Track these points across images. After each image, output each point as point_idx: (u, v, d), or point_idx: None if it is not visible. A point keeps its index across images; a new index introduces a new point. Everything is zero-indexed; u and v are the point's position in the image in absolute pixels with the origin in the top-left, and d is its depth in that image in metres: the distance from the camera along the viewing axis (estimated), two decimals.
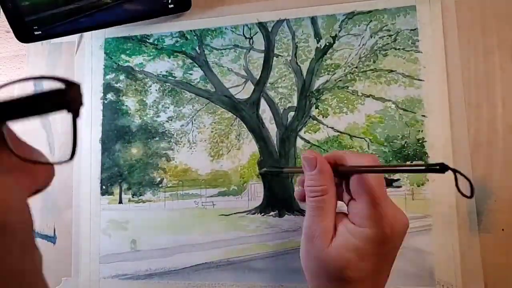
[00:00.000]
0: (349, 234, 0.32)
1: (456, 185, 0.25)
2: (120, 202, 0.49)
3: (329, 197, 0.33)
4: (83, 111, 0.51)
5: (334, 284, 0.32)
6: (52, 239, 0.50)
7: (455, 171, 0.25)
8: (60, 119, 0.52)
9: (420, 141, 0.43)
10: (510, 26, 0.43)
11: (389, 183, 0.43)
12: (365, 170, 0.31)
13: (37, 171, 0.22)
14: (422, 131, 0.43)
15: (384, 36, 0.46)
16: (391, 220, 0.31)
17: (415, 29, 0.45)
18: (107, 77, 0.52)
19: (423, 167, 0.27)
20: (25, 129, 0.22)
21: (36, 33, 0.50)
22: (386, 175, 0.43)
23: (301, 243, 0.34)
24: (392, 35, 0.45)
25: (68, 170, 0.51)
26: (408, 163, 0.28)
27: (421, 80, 0.44)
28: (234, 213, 0.46)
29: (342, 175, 0.34)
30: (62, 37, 0.52)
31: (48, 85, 0.20)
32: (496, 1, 0.44)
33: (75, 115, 0.20)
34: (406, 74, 0.45)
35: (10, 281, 0.18)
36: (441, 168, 0.25)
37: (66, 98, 0.19)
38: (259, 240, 0.45)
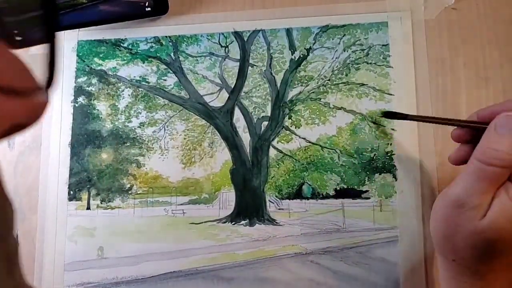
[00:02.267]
0: (509, 200, 0.27)
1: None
2: (88, 208, 0.48)
3: (506, 172, 0.28)
4: (52, 114, 0.50)
5: (478, 259, 0.28)
6: None
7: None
8: None
9: (388, 154, 0.44)
10: (475, 45, 0.45)
11: (358, 194, 0.44)
12: None
13: (10, 98, 0.16)
14: (391, 144, 0.44)
15: (357, 50, 0.47)
16: None
17: (386, 44, 0.46)
18: (79, 80, 0.50)
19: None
20: None
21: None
22: (356, 186, 0.44)
23: (438, 208, 0.30)
24: (365, 49, 0.47)
25: (34, 173, 0.49)
26: None
27: (391, 94, 0.45)
28: (205, 222, 0.46)
29: None
30: None
31: None
32: (462, 22, 0.46)
33: (51, 29, 0.16)
34: (377, 88, 0.46)
35: None
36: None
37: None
38: (229, 249, 0.45)
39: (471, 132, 0.33)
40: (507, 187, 0.28)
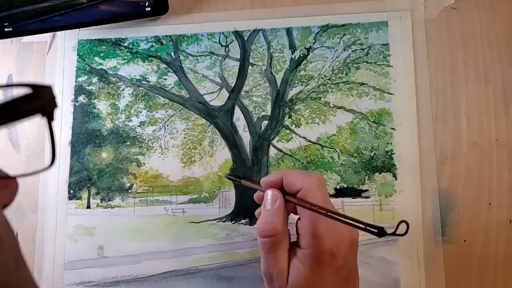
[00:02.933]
0: (299, 262, 0.31)
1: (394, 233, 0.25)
2: (88, 207, 0.48)
3: (282, 235, 0.32)
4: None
5: None
6: None
7: (394, 234, 0.25)
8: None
9: (388, 153, 0.44)
10: (475, 45, 0.45)
11: (358, 193, 0.44)
12: (310, 208, 0.30)
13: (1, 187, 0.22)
14: (391, 143, 0.44)
15: (357, 50, 0.47)
16: (334, 236, 0.30)
17: (386, 44, 0.46)
18: (79, 79, 0.51)
19: (363, 226, 0.27)
20: None
21: (6, 29, 0.48)
22: (356, 186, 0.44)
23: (265, 285, 0.34)
24: (365, 49, 0.47)
25: None
26: (350, 216, 0.28)
27: (391, 93, 0.45)
28: (205, 221, 0.46)
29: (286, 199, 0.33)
30: (33, 37, 0.51)
31: (18, 92, 0.19)
32: (462, 22, 0.46)
33: (50, 118, 0.19)
34: (377, 87, 0.46)
35: None
36: (379, 232, 0.26)
37: (38, 102, 0.19)
38: (229, 248, 0.45)
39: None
40: (296, 251, 0.32)
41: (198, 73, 0.49)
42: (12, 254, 0.19)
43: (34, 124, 0.50)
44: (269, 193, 0.34)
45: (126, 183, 0.48)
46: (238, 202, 0.46)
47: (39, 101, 0.19)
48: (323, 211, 0.29)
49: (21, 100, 0.18)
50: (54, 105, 0.19)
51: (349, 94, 0.46)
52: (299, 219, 0.33)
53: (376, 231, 0.26)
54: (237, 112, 0.48)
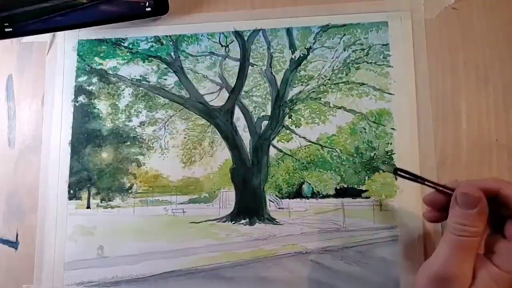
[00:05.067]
0: (490, 279, 0.29)
1: None
2: (88, 207, 0.48)
3: (479, 239, 0.30)
4: (53, 113, 0.50)
5: None
6: (14, 244, 0.48)
7: None
8: (28, 105, 0.51)
9: (388, 153, 0.44)
10: (475, 45, 0.45)
11: (358, 193, 0.44)
12: None
13: None
14: (391, 143, 0.44)
15: (357, 50, 0.47)
16: None
17: (386, 44, 0.46)
18: (79, 79, 0.51)
19: None
20: None
21: (6, 30, 0.48)
22: (356, 186, 0.44)
23: (421, 282, 0.31)
24: (365, 49, 0.47)
25: (35, 172, 0.49)
26: None
27: (391, 93, 0.45)
28: (205, 221, 0.46)
29: (496, 214, 0.31)
30: (33, 37, 0.51)
31: None
32: (462, 22, 0.46)
33: None
34: (377, 88, 0.46)
35: None
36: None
37: None
38: (229, 248, 0.45)
39: (444, 200, 0.34)
40: (488, 266, 0.30)
41: (198, 73, 0.49)
42: None
43: (32, 120, 0.50)
44: (468, 195, 0.31)
45: (126, 183, 0.48)
46: (238, 203, 0.46)
47: None
48: None
49: None
50: None
51: (349, 94, 0.46)
52: (503, 240, 0.30)
53: None
54: (237, 112, 0.48)
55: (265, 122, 0.47)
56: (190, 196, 0.47)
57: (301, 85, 0.47)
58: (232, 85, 0.48)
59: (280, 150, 0.46)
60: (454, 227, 0.30)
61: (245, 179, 0.46)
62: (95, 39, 0.51)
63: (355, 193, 0.44)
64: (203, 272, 0.44)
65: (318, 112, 0.46)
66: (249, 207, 0.46)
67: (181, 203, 0.47)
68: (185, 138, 0.48)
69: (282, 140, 0.46)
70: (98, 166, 0.48)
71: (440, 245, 0.31)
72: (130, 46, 0.51)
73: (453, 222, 0.31)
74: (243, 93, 0.48)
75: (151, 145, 0.48)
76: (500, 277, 0.29)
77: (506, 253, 0.30)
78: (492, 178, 0.35)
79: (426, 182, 0.35)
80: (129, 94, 0.50)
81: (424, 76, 0.45)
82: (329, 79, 0.47)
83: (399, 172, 0.37)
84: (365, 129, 0.45)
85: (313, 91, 0.47)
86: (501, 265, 0.29)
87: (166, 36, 0.50)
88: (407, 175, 0.37)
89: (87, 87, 0.50)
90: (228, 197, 0.46)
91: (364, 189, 0.44)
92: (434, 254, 0.31)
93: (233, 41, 0.49)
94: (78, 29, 0.51)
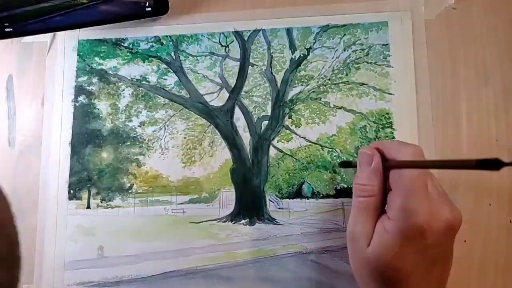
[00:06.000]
0: (384, 231, 0.30)
1: None
2: (88, 207, 0.48)
3: (377, 198, 0.32)
4: (53, 113, 0.50)
5: (378, 285, 0.31)
6: None
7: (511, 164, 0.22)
8: (28, 105, 0.51)
9: None
10: (475, 45, 0.45)
11: None
12: (411, 165, 0.30)
13: None
14: None
15: (357, 50, 0.47)
16: (427, 213, 0.29)
17: (386, 44, 0.46)
18: (79, 79, 0.51)
19: (474, 163, 0.24)
20: None
21: (6, 30, 0.48)
22: None
23: (347, 242, 0.34)
24: (365, 49, 0.47)
25: (34, 172, 0.49)
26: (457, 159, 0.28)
27: (391, 94, 0.45)
28: (205, 221, 0.46)
29: (385, 168, 0.32)
30: (33, 37, 0.51)
31: None
32: (462, 22, 0.46)
33: None
34: (377, 88, 0.46)
35: None
36: (495, 163, 0.22)
37: None
38: (229, 248, 0.45)
39: None
40: (383, 220, 0.31)
41: (198, 73, 0.49)
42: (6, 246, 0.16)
43: (32, 120, 0.50)
44: (364, 153, 0.33)
45: (126, 183, 0.48)
46: (238, 203, 0.46)
47: None
48: (424, 164, 0.29)
49: None
50: None
51: (349, 94, 0.46)
52: (390, 191, 0.32)
53: (492, 163, 0.22)
54: (237, 112, 0.48)
55: (265, 122, 0.47)
56: (190, 196, 0.47)
57: (301, 85, 0.47)
58: (232, 85, 0.48)
59: (280, 150, 0.46)
60: (355, 188, 0.33)
61: (245, 179, 0.46)
62: (95, 39, 0.51)
63: None
64: (203, 272, 0.44)
65: (318, 112, 0.46)
66: (249, 207, 0.46)
67: (181, 203, 0.47)
68: (185, 138, 0.48)
69: (282, 140, 0.46)
70: (98, 166, 0.48)
71: (351, 208, 0.34)
72: (130, 46, 0.50)
73: (355, 184, 0.34)
74: (243, 93, 0.48)
75: (151, 145, 0.48)
76: (389, 226, 0.30)
77: (390, 201, 0.31)
78: (382, 141, 0.39)
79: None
80: (129, 94, 0.50)
81: (424, 76, 0.45)
82: (329, 79, 0.47)
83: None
84: (365, 129, 0.45)
85: (313, 91, 0.47)
86: (389, 214, 0.31)
87: (166, 36, 0.50)
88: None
89: (87, 87, 0.50)
90: (228, 197, 0.46)
91: None
92: (350, 216, 0.34)
93: (233, 41, 0.49)
94: (78, 29, 0.51)
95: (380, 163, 0.33)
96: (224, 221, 0.46)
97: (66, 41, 0.52)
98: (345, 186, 0.45)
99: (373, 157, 0.33)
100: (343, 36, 0.47)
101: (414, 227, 0.29)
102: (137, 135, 0.49)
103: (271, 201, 0.46)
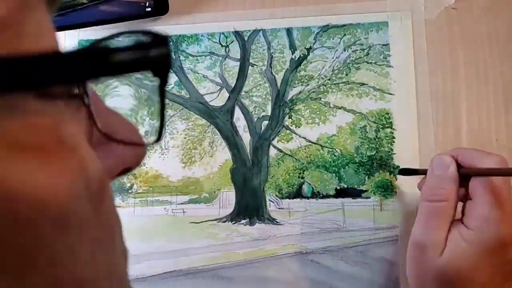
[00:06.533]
0: (462, 239, 0.29)
1: None
2: None
3: (450, 204, 0.31)
4: None
5: None
6: None
7: None
8: None
9: (388, 153, 0.44)
10: (475, 45, 0.45)
11: (358, 194, 0.44)
12: (490, 173, 0.29)
13: (128, 149, 0.19)
14: (391, 143, 0.44)
15: (357, 50, 0.47)
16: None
17: (387, 44, 0.46)
18: None
19: None
20: None
21: None
22: (356, 186, 0.44)
23: (408, 250, 0.33)
24: (365, 49, 0.47)
25: None
26: None
27: (391, 94, 0.45)
28: (205, 221, 0.46)
29: (463, 176, 0.32)
30: None
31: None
32: (462, 22, 0.46)
33: (164, 80, 0.15)
34: (377, 88, 0.46)
35: None
36: None
37: (155, 55, 0.14)
38: (229, 248, 0.45)
39: None
40: (459, 228, 0.30)
41: (198, 73, 0.49)
42: (88, 237, 0.14)
43: None
44: (442, 158, 0.33)
45: (126, 183, 0.48)
46: (238, 203, 0.46)
47: (155, 54, 0.14)
48: (508, 172, 0.28)
49: (136, 47, 0.13)
50: (169, 65, 0.15)
51: (349, 94, 0.46)
52: (468, 199, 0.31)
53: None
54: (237, 112, 0.48)
55: (265, 122, 0.47)
56: (190, 196, 0.47)
57: (301, 85, 0.47)
58: (232, 85, 0.48)
59: (280, 150, 0.46)
60: (425, 193, 0.32)
61: (245, 179, 0.46)
62: (95, 39, 0.51)
63: (355, 193, 0.44)
64: (203, 272, 0.44)
65: (318, 112, 0.46)
66: (249, 207, 0.46)
67: (181, 203, 0.47)
68: (185, 138, 0.48)
69: (282, 140, 0.46)
70: None
71: (417, 216, 0.33)
72: None
73: (425, 188, 0.33)
74: (243, 93, 0.48)
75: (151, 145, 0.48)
76: (469, 236, 0.29)
77: (470, 210, 0.30)
78: (458, 147, 0.38)
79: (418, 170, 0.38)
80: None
81: (424, 76, 0.45)
82: (329, 79, 0.47)
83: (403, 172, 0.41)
84: (365, 129, 0.45)
85: (313, 91, 0.47)
86: (468, 224, 0.30)
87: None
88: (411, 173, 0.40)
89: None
90: (228, 197, 0.46)
91: (364, 189, 0.44)
92: (414, 224, 0.33)
93: (233, 41, 0.49)
94: (78, 30, 0.51)
95: (455, 169, 0.32)
96: (224, 221, 0.46)
97: (66, 42, 0.52)
98: (345, 186, 0.45)
99: (451, 162, 0.32)
100: (343, 36, 0.47)
101: (497, 239, 0.28)
102: None
103: (271, 201, 0.46)
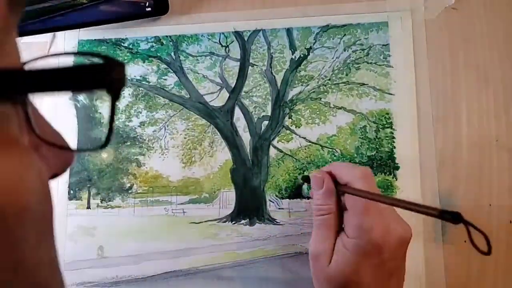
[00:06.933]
0: (343, 247, 0.33)
1: (470, 239, 0.24)
2: (88, 207, 0.48)
3: (334, 216, 0.35)
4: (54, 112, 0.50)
5: None
6: None
7: (467, 224, 0.24)
8: None
9: (388, 153, 0.44)
10: (475, 45, 0.45)
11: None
12: (366, 196, 0.31)
13: (56, 155, 0.20)
14: (391, 143, 0.44)
15: (357, 50, 0.47)
16: (382, 230, 0.31)
17: (387, 44, 0.46)
18: None
19: (435, 213, 0.25)
20: None
21: None
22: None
23: (310, 260, 0.35)
24: (365, 49, 0.47)
25: None
26: (416, 202, 0.27)
27: (391, 94, 0.45)
28: (205, 221, 0.46)
29: (338, 191, 0.35)
30: (33, 37, 0.51)
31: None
32: (462, 22, 0.46)
33: (116, 97, 0.17)
34: (377, 88, 0.46)
35: (23, 273, 0.16)
36: (454, 218, 0.24)
37: (108, 75, 0.16)
38: (229, 248, 0.45)
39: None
40: (342, 237, 0.34)
41: (198, 74, 0.49)
42: (36, 228, 0.17)
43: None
44: (315, 177, 0.36)
45: (126, 184, 0.48)
46: (238, 203, 0.46)
47: (109, 74, 0.16)
48: (372, 196, 0.30)
49: (90, 69, 0.16)
50: (123, 82, 0.17)
51: (349, 94, 0.46)
52: (346, 211, 0.34)
53: (450, 217, 0.23)
54: (237, 112, 0.48)
55: (265, 122, 0.47)
56: (190, 196, 0.47)
57: (301, 85, 0.47)
58: (232, 85, 0.48)
59: (280, 150, 0.46)
60: (313, 209, 0.36)
61: (245, 179, 0.46)
62: (95, 39, 0.51)
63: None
64: (203, 272, 0.44)
65: (318, 113, 0.46)
66: (249, 207, 0.46)
67: (181, 203, 0.47)
68: (185, 138, 0.48)
69: (282, 140, 0.46)
70: (98, 166, 0.48)
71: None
72: (130, 46, 0.50)
73: (313, 205, 0.36)
74: (243, 93, 0.48)
75: (151, 145, 0.48)
76: (349, 244, 0.32)
77: (347, 221, 0.34)
78: (333, 163, 0.40)
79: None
80: (129, 94, 0.50)
81: (424, 76, 0.45)
82: (329, 79, 0.47)
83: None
84: (365, 129, 0.45)
85: (313, 91, 0.47)
86: (347, 233, 0.33)
87: (166, 36, 0.50)
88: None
89: None
90: (228, 197, 0.46)
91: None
92: (311, 236, 0.36)
93: (233, 41, 0.49)
94: (78, 29, 0.51)
95: (332, 185, 0.35)
96: (224, 221, 0.46)
97: (66, 41, 0.52)
98: None
99: (323, 180, 0.35)
100: (343, 36, 0.47)
101: (371, 243, 0.31)
102: (137, 135, 0.49)
103: (271, 201, 0.46)
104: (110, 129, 0.19)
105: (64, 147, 0.21)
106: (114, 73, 0.16)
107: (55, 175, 0.21)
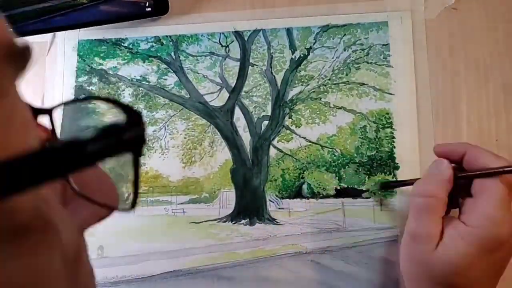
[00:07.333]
0: (459, 236, 0.30)
1: None
2: None
3: (437, 201, 0.32)
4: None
5: None
6: None
7: None
8: None
9: (388, 153, 0.44)
10: (475, 45, 0.45)
11: (358, 194, 0.44)
12: (499, 172, 0.29)
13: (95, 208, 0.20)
14: (391, 143, 0.44)
15: (357, 50, 0.47)
16: (511, 227, 0.29)
17: (387, 44, 0.46)
18: (79, 79, 0.51)
19: None
20: None
21: None
22: (356, 186, 0.44)
23: (402, 244, 0.34)
24: (365, 49, 0.47)
25: None
26: None
27: (391, 94, 0.45)
28: (205, 221, 0.46)
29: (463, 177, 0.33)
30: (33, 37, 0.51)
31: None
32: (462, 22, 0.46)
33: (138, 154, 0.16)
34: (377, 88, 0.46)
35: None
36: None
37: (132, 136, 0.14)
38: (229, 248, 0.45)
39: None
40: (455, 224, 0.31)
41: (198, 73, 0.49)
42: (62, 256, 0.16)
43: None
44: (440, 163, 0.34)
45: None
46: (238, 203, 0.46)
47: (132, 135, 0.14)
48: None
49: (114, 133, 0.14)
50: (144, 138, 0.15)
51: (349, 94, 0.46)
52: (467, 197, 0.32)
53: None
54: (237, 112, 0.48)
55: (265, 122, 0.47)
56: (190, 196, 0.47)
57: (301, 85, 0.47)
58: (232, 85, 0.48)
59: (280, 150, 0.46)
60: (418, 190, 0.34)
61: (245, 179, 0.46)
62: (95, 39, 0.51)
63: (355, 193, 0.44)
64: (203, 272, 0.44)
65: (318, 112, 0.46)
66: (249, 207, 0.46)
67: (181, 203, 0.47)
68: (185, 138, 0.48)
69: (282, 140, 0.46)
70: None
71: (410, 211, 0.34)
72: (130, 46, 0.50)
73: (418, 185, 0.34)
74: (243, 93, 0.48)
75: (151, 145, 0.48)
76: (467, 233, 0.30)
77: (471, 208, 0.31)
78: (459, 142, 0.38)
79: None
80: (129, 94, 0.50)
81: (424, 76, 0.45)
82: (329, 79, 0.47)
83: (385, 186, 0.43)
84: (365, 129, 0.45)
85: (313, 91, 0.47)
86: (467, 221, 0.30)
87: (166, 36, 0.50)
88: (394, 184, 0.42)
89: (87, 87, 0.50)
90: (228, 197, 0.46)
91: (364, 189, 0.44)
92: (408, 219, 0.34)
93: (233, 41, 0.49)
94: (78, 29, 0.51)
95: (451, 172, 0.33)
96: (224, 221, 0.46)
97: (66, 41, 0.52)
98: (345, 186, 0.45)
99: (448, 169, 0.33)
100: (343, 36, 0.47)
101: (496, 238, 0.29)
102: None
103: (271, 201, 0.46)
104: (136, 188, 0.17)
105: (106, 204, 0.20)
106: (135, 131, 0.15)
107: (101, 219, 0.21)
